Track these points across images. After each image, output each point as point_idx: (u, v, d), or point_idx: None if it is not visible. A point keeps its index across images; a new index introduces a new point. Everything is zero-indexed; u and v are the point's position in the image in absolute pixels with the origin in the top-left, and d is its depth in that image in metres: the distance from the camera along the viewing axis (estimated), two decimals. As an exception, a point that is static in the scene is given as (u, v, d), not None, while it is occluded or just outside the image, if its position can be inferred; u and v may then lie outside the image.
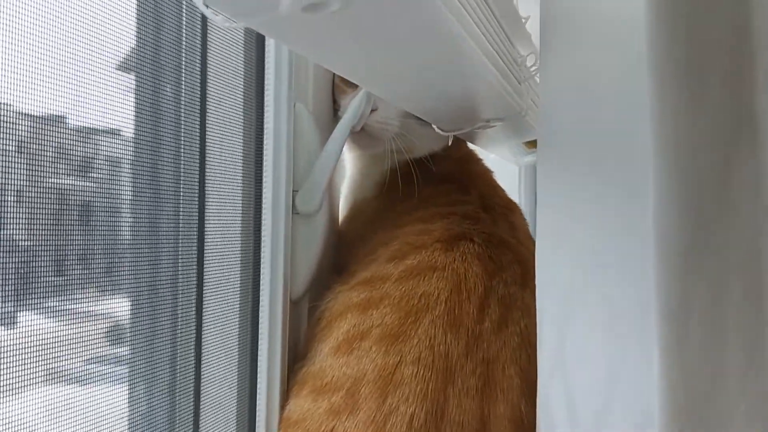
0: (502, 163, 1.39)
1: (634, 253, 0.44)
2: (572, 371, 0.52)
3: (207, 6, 0.30)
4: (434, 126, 0.73)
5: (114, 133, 0.56)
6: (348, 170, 0.91)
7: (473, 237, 0.68)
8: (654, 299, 0.39)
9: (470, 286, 0.64)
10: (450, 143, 0.84)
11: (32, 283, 0.45)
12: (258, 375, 0.68)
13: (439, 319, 0.61)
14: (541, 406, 0.56)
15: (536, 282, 0.56)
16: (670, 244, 0.39)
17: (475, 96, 0.59)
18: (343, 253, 0.81)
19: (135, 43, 0.56)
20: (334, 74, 0.83)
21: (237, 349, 0.69)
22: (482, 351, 0.61)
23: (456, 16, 0.38)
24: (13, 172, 0.42)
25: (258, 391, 0.68)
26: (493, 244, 0.69)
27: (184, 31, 0.65)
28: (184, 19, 0.65)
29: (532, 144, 1.23)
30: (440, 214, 0.72)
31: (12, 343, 0.42)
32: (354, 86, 0.79)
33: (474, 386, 0.59)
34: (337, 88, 0.81)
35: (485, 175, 0.90)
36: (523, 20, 0.77)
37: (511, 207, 0.81)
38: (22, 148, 0.43)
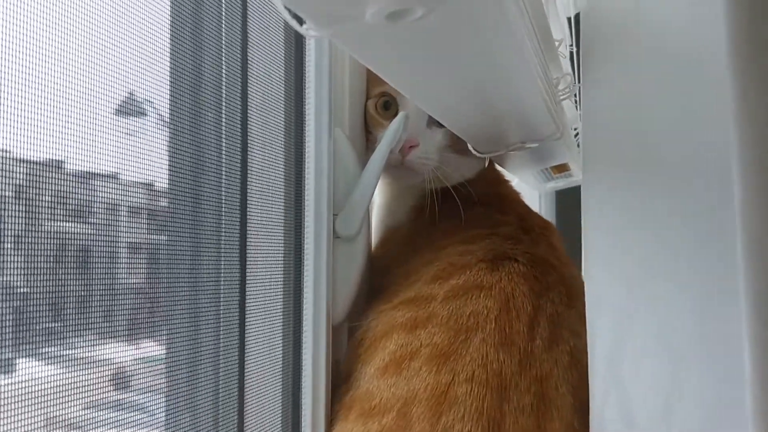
0: (521, 189, 1.40)
1: (706, 261, 0.44)
2: (629, 387, 0.51)
3: (292, 15, 0.31)
4: (471, 147, 0.74)
5: (156, 160, 0.56)
6: (378, 197, 0.91)
7: (517, 257, 0.69)
8: (743, 304, 0.38)
9: (518, 304, 0.64)
10: (486, 168, 0.85)
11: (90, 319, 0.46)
12: (302, 400, 0.68)
13: (490, 338, 0.61)
14: (596, 425, 0.56)
15: (586, 300, 0.56)
16: (761, 248, 0.38)
17: (520, 115, 0.60)
18: (375, 277, 0.81)
19: (173, 70, 0.57)
20: (366, 105, 0.84)
21: (280, 375, 0.69)
22: (535, 369, 0.60)
23: (520, 31, 0.39)
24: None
25: (303, 416, 0.68)
26: (537, 264, 0.69)
27: (223, 57, 0.66)
28: (224, 45, 0.67)
29: (559, 169, 1.23)
30: (481, 236, 0.73)
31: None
32: (390, 117, 0.80)
33: (529, 404, 0.58)
34: (372, 119, 0.82)
35: (517, 196, 0.90)
36: (556, 43, 0.78)
37: (548, 228, 0.81)
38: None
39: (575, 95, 0.82)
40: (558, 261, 0.74)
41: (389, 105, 0.82)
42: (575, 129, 1.03)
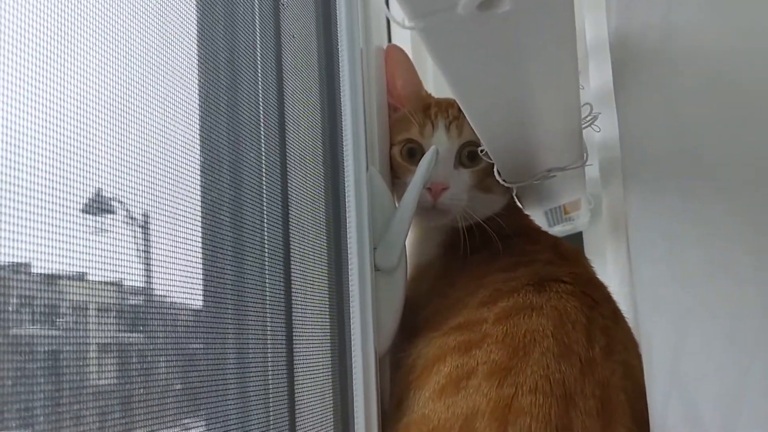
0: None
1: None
2: (693, 388, 0.52)
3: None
4: (498, 177, 0.76)
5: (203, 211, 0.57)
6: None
7: (562, 278, 0.71)
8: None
9: (573, 318, 0.65)
10: (509, 202, 0.88)
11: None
12: (355, 428, 0.68)
13: (549, 352, 0.61)
14: (658, 429, 0.56)
15: (639, 310, 0.58)
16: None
17: (555, 136, 0.63)
18: (408, 314, 0.82)
19: (205, 119, 0.59)
20: (391, 152, 0.87)
21: (331, 403, 0.69)
22: (597, 374, 0.61)
23: (574, 46, 0.43)
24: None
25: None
26: (582, 282, 0.72)
27: (261, 107, 0.69)
28: (261, 88, 0.70)
29: (570, 207, 1.27)
30: (521, 263, 0.75)
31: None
32: (416, 163, 0.82)
33: (594, 407, 0.59)
34: (400, 166, 0.85)
35: (540, 228, 0.93)
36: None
37: (579, 252, 0.83)
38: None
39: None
40: (598, 281, 0.76)
41: (414, 152, 0.85)
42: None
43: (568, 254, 0.80)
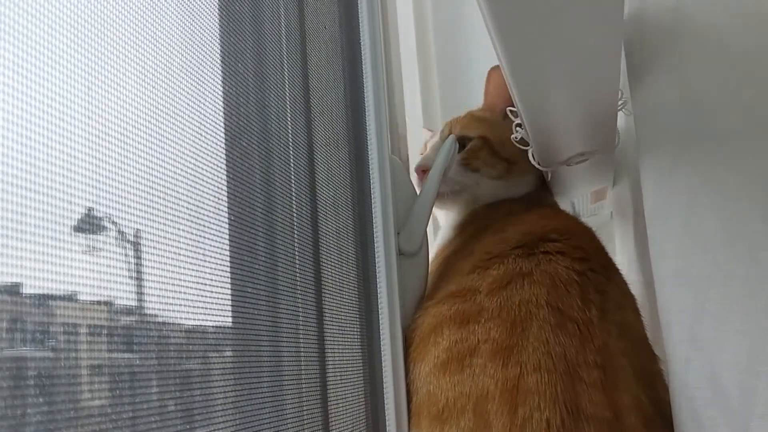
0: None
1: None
2: (712, 352, 0.54)
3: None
4: (532, 160, 0.78)
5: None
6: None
7: (550, 235, 0.70)
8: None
9: (564, 279, 0.64)
10: (535, 188, 0.89)
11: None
12: (385, 405, 0.70)
13: (546, 324, 0.61)
14: (678, 393, 0.58)
15: (657, 280, 0.59)
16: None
17: (590, 119, 0.64)
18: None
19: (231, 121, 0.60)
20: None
21: (362, 382, 0.71)
22: (596, 339, 0.61)
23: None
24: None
25: (387, 423, 0.70)
26: (573, 236, 0.71)
27: (288, 105, 0.72)
28: (287, 90, 0.72)
29: (597, 196, 1.27)
30: (510, 222, 0.77)
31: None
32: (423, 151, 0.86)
33: (598, 378, 0.59)
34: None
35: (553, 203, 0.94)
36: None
37: (573, 216, 0.85)
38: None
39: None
40: (589, 232, 0.77)
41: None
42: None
43: (561, 213, 0.82)
